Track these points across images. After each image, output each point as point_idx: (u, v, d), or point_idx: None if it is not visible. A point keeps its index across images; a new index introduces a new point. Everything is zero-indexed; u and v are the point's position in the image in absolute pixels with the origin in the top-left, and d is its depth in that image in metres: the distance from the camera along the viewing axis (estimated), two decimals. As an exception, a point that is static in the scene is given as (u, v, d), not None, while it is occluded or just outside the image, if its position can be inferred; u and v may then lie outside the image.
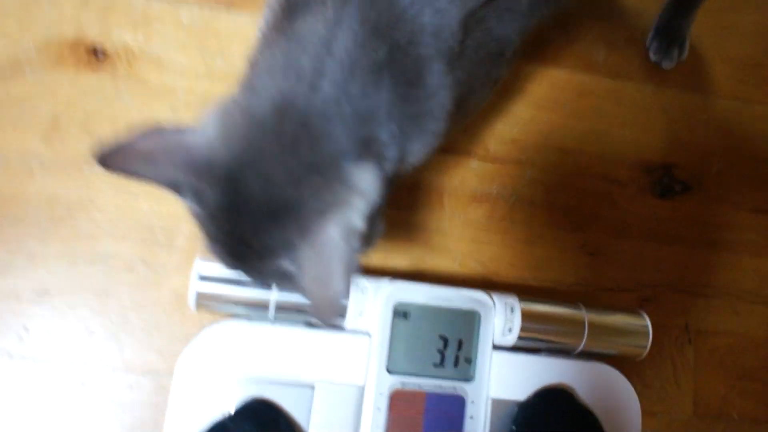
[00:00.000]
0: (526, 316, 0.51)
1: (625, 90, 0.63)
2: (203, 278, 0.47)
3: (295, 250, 0.35)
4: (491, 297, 0.51)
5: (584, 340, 0.52)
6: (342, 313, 0.47)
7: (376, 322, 0.49)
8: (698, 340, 0.61)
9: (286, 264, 0.36)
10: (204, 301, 0.47)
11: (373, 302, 0.49)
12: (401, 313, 0.49)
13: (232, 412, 0.45)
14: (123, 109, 0.54)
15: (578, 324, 0.52)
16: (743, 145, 0.65)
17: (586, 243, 0.60)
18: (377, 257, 0.56)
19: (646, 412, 0.57)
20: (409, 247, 0.57)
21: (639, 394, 0.57)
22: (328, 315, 0.36)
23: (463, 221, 0.58)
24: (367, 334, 0.49)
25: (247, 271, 0.39)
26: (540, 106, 0.61)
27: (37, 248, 0.51)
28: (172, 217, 0.53)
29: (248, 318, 0.49)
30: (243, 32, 0.56)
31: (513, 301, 0.51)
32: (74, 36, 0.54)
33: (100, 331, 0.51)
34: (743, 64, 0.66)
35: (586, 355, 0.53)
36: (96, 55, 0.54)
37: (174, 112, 0.54)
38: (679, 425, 0.59)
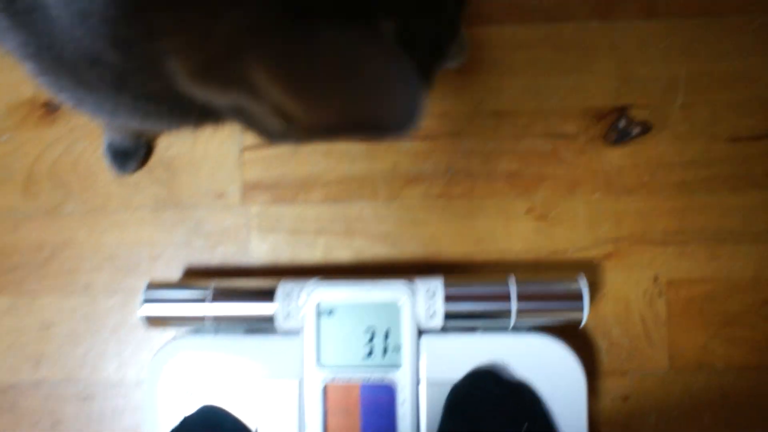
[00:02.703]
0: (451, 298, 0.52)
1: (564, 32, 0.59)
2: (147, 301, 0.54)
3: None
4: (412, 284, 0.53)
5: (513, 315, 0.52)
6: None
7: (303, 321, 0.53)
8: (671, 292, 0.57)
9: None
10: (153, 321, 0.54)
11: (297, 304, 0.53)
12: (327, 311, 0.53)
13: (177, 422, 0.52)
14: (80, 152, 0.61)
15: (505, 299, 0.52)
16: (713, 68, 0.58)
17: (532, 207, 0.58)
18: (318, 254, 0.59)
19: (614, 372, 0.57)
20: (348, 239, 0.59)
21: (606, 353, 0.57)
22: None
23: (399, 206, 0.59)
24: (299, 333, 0.53)
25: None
26: (468, 71, 0.59)
27: (33, 287, 0.60)
28: (134, 245, 0.60)
29: (193, 332, 0.55)
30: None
31: (436, 284, 0.53)
32: (31, 96, 0.61)
33: (94, 350, 0.60)
34: (712, -28, 0.58)
35: (526, 329, 0.53)
36: (50, 108, 0.61)
37: (120, 149, 0.60)
38: (654, 380, 0.57)
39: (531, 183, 0.58)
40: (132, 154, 0.59)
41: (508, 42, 0.59)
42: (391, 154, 0.59)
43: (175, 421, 0.51)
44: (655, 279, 0.57)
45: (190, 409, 0.53)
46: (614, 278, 0.58)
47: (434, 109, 0.59)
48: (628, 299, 0.57)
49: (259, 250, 0.59)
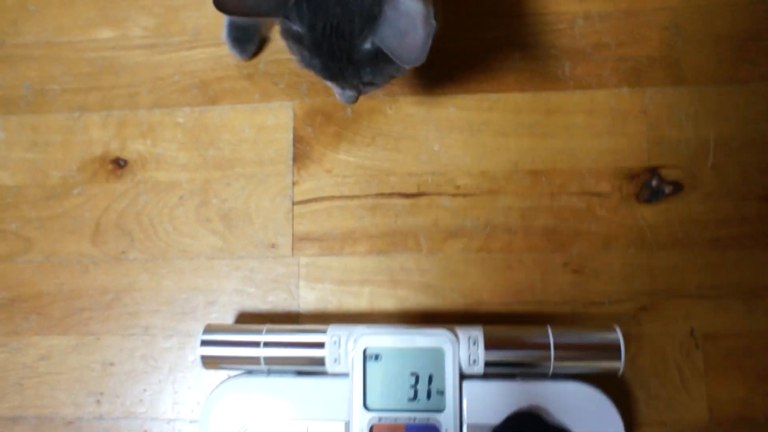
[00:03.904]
0: (491, 345, 0.55)
1: (596, 98, 0.63)
2: (205, 343, 0.58)
3: (378, 23, 0.42)
4: (454, 331, 0.55)
5: (552, 361, 0.54)
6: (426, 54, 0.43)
7: (351, 365, 0.56)
8: (708, 345, 0.59)
9: (372, 45, 0.43)
10: (209, 361, 0.58)
11: (346, 349, 0.56)
12: (373, 356, 0.56)
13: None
14: (143, 205, 0.66)
15: (544, 347, 0.54)
16: (742, 131, 0.61)
17: (569, 261, 0.61)
18: (363, 303, 0.62)
19: (654, 424, 0.58)
20: (392, 289, 0.62)
21: (644, 404, 0.58)
22: (418, 56, 0.41)
23: (441, 258, 0.62)
24: (346, 377, 0.56)
25: (342, 71, 0.46)
26: (506, 133, 0.63)
27: (97, 328, 0.65)
28: (191, 290, 0.64)
29: (247, 373, 0.58)
30: (228, 122, 0.66)
31: (476, 333, 0.55)
32: (102, 153, 0.67)
33: (151, 388, 0.63)
34: (735, 40, 0.62)
35: (563, 376, 0.55)
36: (119, 164, 0.67)
37: (182, 200, 0.65)
38: (694, 432, 0.58)
39: (567, 238, 0.61)
40: (250, 40, 0.63)
41: (542, 108, 0.63)
42: (432, 210, 0.63)
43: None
44: (692, 332, 0.59)
45: (241, 449, 0.55)
46: (651, 331, 0.59)
47: (473, 169, 0.63)
48: (664, 351, 0.59)
49: (308, 299, 0.63)
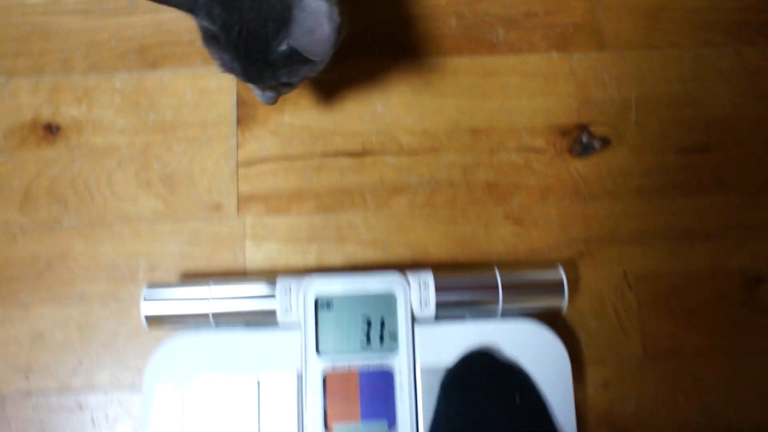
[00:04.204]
0: (442, 288, 0.56)
1: (529, 62, 0.67)
2: (147, 300, 0.56)
3: (290, 26, 0.45)
4: (405, 276, 0.56)
5: (500, 301, 0.56)
6: (333, 48, 0.47)
7: (302, 315, 0.55)
8: (639, 286, 0.62)
9: (287, 46, 0.46)
10: (153, 320, 0.56)
11: (297, 298, 0.55)
12: (324, 303, 0.55)
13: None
14: (79, 170, 0.63)
15: (493, 288, 0.56)
16: (659, 91, 0.66)
17: (510, 213, 0.64)
18: (311, 260, 0.62)
19: (595, 361, 0.61)
20: (340, 245, 0.62)
21: (585, 344, 0.61)
22: (325, 50, 0.45)
23: (387, 213, 0.63)
24: (299, 326, 0.55)
25: (261, 74, 0.49)
26: (446, 94, 0.66)
27: (27, 299, 0.61)
28: (132, 255, 0.62)
29: (195, 328, 0.56)
30: (168, 86, 0.65)
31: (427, 276, 0.56)
32: (32, 118, 0.64)
33: (87, 359, 0.60)
34: (648, 11, 0.68)
35: (511, 316, 0.57)
36: (51, 131, 0.64)
37: (120, 164, 0.63)
38: (632, 368, 0.61)
39: (507, 191, 0.64)
40: None
41: (479, 71, 0.66)
42: (377, 168, 0.64)
43: (176, 417, 0.51)
44: (624, 275, 0.62)
45: (191, 405, 0.53)
46: (588, 275, 0.62)
47: (415, 128, 0.65)
48: (601, 293, 0.62)
49: (255, 259, 0.62)
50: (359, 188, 0.64)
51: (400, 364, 0.54)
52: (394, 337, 0.55)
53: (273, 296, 0.56)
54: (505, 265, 0.58)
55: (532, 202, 0.64)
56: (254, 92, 0.55)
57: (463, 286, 0.56)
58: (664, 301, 0.62)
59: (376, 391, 0.54)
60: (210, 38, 0.48)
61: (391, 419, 0.54)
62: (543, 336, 0.56)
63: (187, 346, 0.55)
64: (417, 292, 0.55)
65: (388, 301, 0.56)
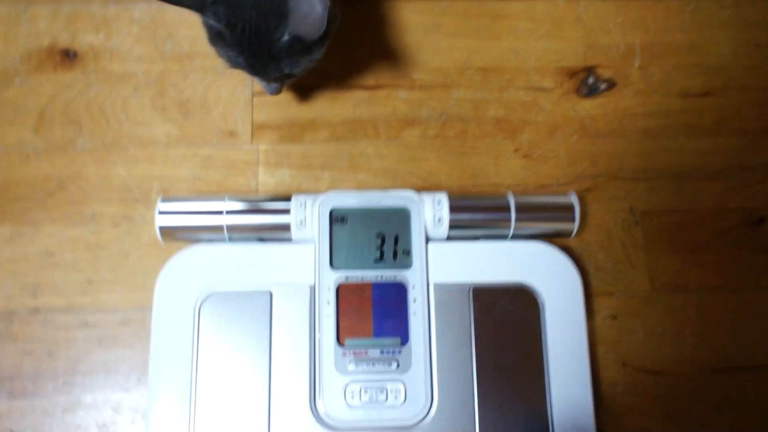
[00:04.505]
0: (455, 209, 0.57)
1: (537, 7, 0.69)
2: (162, 213, 0.56)
3: (287, 17, 0.49)
4: (420, 194, 0.57)
5: (512, 221, 0.57)
6: (324, 25, 0.50)
7: (317, 229, 0.55)
8: (645, 221, 0.64)
9: (289, 36, 0.50)
10: (167, 233, 0.56)
11: (312, 212, 0.56)
12: (339, 218, 0.56)
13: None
14: (94, 95, 0.64)
15: (506, 209, 0.57)
16: (662, 39, 0.69)
17: (519, 147, 0.65)
18: (323, 187, 0.63)
19: (603, 293, 0.61)
20: (352, 174, 0.63)
21: (593, 276, 0.62)
22: (319, 29, 0.48)
23: (399, 144, 0.64)
24: (312, 241, 0.56)
25: (265, 67, 0.52)
26: (456, 35, 0.67)
27: (38, 217, 0.61)
28: (145, 178, 0.62)
29: (209, 241, 0.56)
30: (186, 17, 0.66)
31: (441, 196, 0.57)
32: (49, 44, 0.65)
33: (97, 279, 0.60)
34: (652, -34, 0.71)
35: (521, 238, 0.58)
36: (68, 56, 0.65)
37: (136, 90, 0.64)
38: (639, 301, 0.61)
39: (517, 127, 0.65)
40: None
41: (488, 13, 0.68)
42: (390, 101, 0.65)
43: (185, 327, 0.51)
44: (631, 210, 0.64)
45: (203, 318, 0.53)
46: (595, 209, 0.64)
47: (427, 65, 0.66)
48: (608, 227, 0.63)
49: (267, 183, 0.63)
50: (372, 119, 0.65)
51: (413, 277, 0.55)
52: (407, 252, 0.56)
53: (288, 212, 0.56)
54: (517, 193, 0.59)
55: (540, 138, 0.65)
56: (260, 84, 0.58)
57: (476, 207, 0.57)
58: (669, 237, 0.63)
59: (389, 306, 0.54)
60: (216, 36, 0.52)
61: (404, 335, 0.54)
62: (556, 258, 0.57)
63: (200, 257, 0.55)
64: (431, 210, 0.56)
65: (402, 217, 0.56)
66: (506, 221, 0.57)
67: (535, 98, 0.66)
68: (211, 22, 0.51)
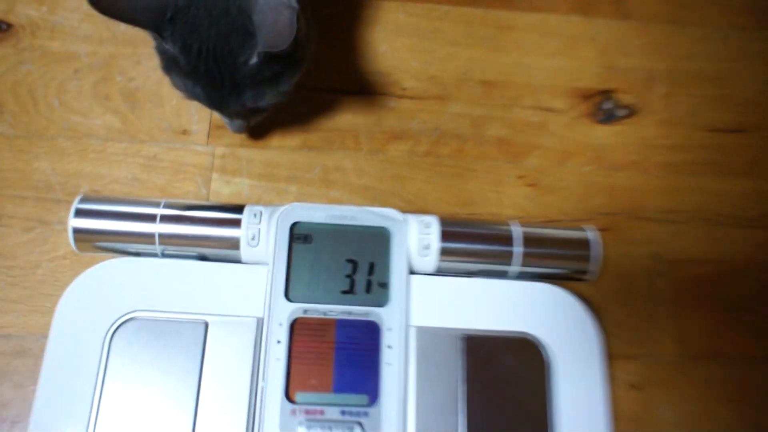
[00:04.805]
0: (448, 235, 0.46)
1: (548, 21, 0.61)
2: (80, 214, 0.44)
3: (254, 34, 0.41)
4: (404, 214, 0.46)
5: (517, 257, 0.46)
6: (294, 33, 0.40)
7: (272, 247, 0.44)
8: (672, 271, 0.53)
9: (255, 59, 0.42)
10: (84, 239, 0.44)
11: (268, 226, 0.45)
12: (301, 236, 0.45)
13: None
14: (25, 74, 0.54)
15: (509, 240, 0.46)
16: (687, 66, 0.61)
17: (523, 174, 0.55)
18: (290, 201, 0.52)
19: (624, 356, 0.50)
20: (324, 189, 0.53)
21: (610, 333, 0.50)
22: (287, 37, 0.40)
23: (382, 159, 0.54)
24: (266, 263, 0.44)
25: (225, 98, 0.44)
26: (456, 43, 0.59)
27: (-71, 214, 0.49)
28: (72, 175, 0.51)
29: (136, 254, 0.45)
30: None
31: (430, 218, 0.46)
32: (-22, 15, 0.55)
33: (-8, 295, 0.47)
34: (677, -12, 0.63)
35: (527, 278, 0.47)
36: (0, 28, 0.55)
37: (77, 73, 0.54)
38: (666, 366, 0.50)
39: (522, 150, 0.56)
40: None
41: (493, 23, 0.60)
42: (376, 109, 0.56)
43: (93, 354, 0.39)
44: (655, 256, 0.53)
45: (114, 351, 0.41)
46: (613, 253, 0.53)
47: (421, 74, 0.57)
48: (629, 276, 0.53)
49: (221, 193, 0.52)
50: (352, 128, 0.55)
51: (388, 316, 0.43)
52: (384, 285, 0.44)
53: (238, 224, 0.45)
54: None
55: (549, 165, 0.55)
56: (224, 121, 0.49)
57: (474, 235, 0.46)
58: (699, 292, 0.53)
59: (357, 352, 0.43)
60: (169, 62, 0.43)
61: (373, 392, 0.42)
62: (569, 305, 0.46)
63: (121, 273, 0.44)
64: (417, 234, 0.45)
65: (380, 241, 0.45)
66: (509, 255, 0.46)
67: (544, 119, 0.57)
68: (166, 45, 0.42)
